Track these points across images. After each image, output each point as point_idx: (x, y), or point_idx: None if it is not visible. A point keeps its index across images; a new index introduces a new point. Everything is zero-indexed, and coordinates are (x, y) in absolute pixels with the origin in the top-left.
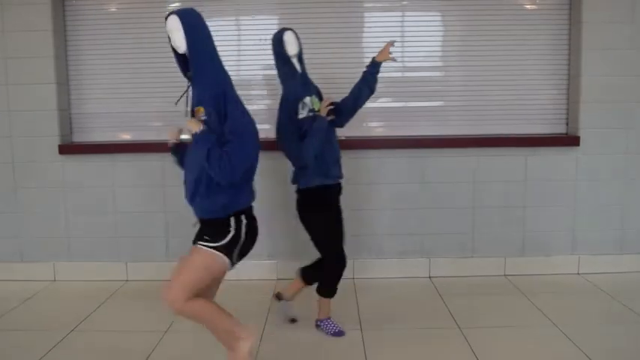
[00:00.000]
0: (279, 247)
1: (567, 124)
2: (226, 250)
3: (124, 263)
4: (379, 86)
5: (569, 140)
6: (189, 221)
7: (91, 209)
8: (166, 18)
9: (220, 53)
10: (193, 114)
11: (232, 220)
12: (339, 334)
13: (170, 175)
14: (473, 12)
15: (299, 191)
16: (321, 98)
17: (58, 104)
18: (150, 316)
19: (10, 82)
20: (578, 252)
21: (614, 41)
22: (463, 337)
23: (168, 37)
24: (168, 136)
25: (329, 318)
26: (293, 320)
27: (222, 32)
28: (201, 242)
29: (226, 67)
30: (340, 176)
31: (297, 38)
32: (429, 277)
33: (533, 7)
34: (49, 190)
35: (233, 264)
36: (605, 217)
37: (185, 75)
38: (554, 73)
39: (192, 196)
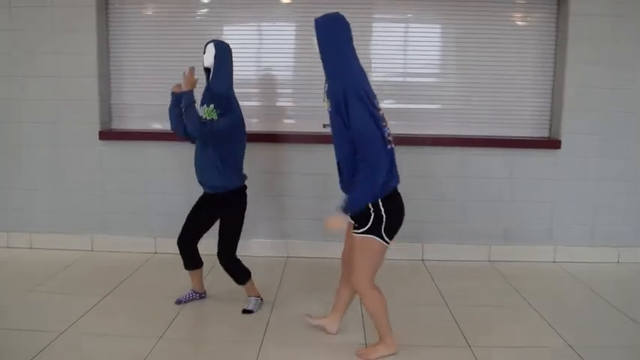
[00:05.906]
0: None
1: (550, 129)
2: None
3: (153, 238)
4: (386, 88)
5: (551, 143)
6: None
7: (125, 189)
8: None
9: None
10: None
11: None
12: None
13: None
14: (469, 25)
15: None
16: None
17: (99, 95)
18: (177, 285)
19: (58, 74)
20: (555, 242)
21: (597, 56)
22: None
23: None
24: None
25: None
26: None
27: (243, 37)
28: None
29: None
30: None
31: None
32: (422, 259)
33: (524, 22)
34: (89, 172)
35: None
36: (579, 212)
37: None
38: (541, 82)
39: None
